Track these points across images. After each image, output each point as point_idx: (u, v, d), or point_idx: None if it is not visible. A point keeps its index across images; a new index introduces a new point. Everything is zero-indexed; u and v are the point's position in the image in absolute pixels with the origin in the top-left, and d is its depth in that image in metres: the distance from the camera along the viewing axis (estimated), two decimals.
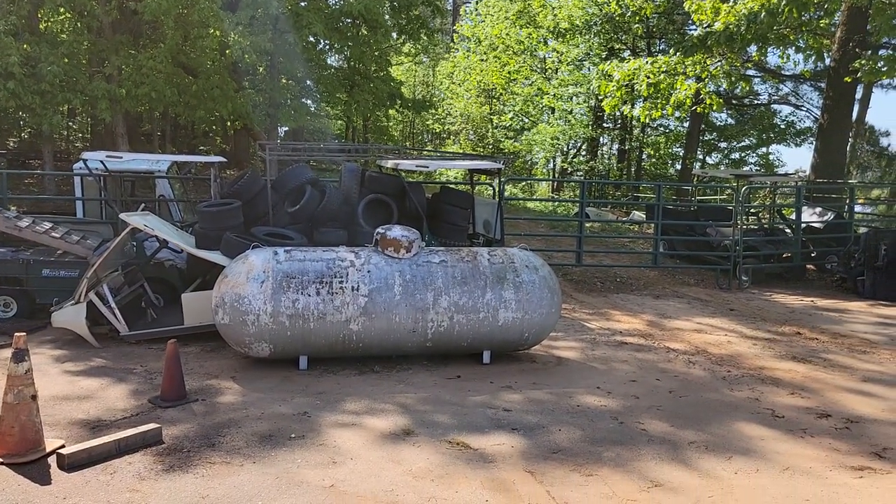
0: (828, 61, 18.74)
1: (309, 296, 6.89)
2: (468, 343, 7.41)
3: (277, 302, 6.81)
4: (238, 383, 6.70)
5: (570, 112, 30.26)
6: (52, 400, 6.02)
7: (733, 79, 18.03)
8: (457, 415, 5.97)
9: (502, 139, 32.60)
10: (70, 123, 26.11)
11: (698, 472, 5.01)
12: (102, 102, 14.23)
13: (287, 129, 26.50)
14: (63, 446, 4.97)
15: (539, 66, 32.13)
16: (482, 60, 31.27)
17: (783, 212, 17.14)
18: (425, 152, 23.87)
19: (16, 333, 4.91)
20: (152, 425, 5.27)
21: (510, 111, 31.98)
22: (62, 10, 15.04)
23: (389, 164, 9.89)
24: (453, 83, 33.86)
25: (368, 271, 7.11)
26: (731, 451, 5.42)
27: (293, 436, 5.38)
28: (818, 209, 15.64)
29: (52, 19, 15.41)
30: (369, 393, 6.50)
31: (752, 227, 15.18)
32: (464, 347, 7.47)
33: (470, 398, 6.43)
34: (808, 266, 14.93)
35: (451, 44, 36.24)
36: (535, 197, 28.64)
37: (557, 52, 29.54)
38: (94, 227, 10.68)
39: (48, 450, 4.90)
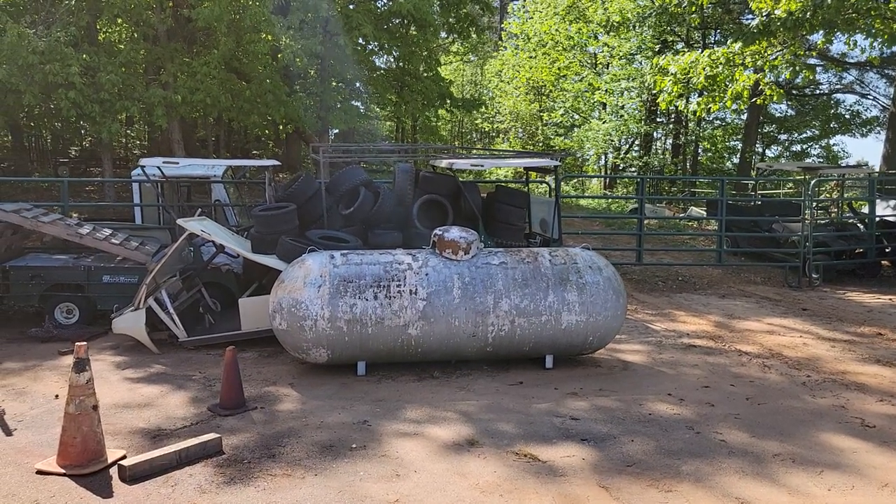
0: None
1: (367, 300, 6.73)
2: (530, 347, 7.14)
3: (335, 307, 6.67)
4: (296, 390, 6.59)
5: (622, 107, 29.59)
6: (113, 408, 6.01)
7: (797, 68, 17.25)
8: (522, 424, 5.72)
9: (552, 136, 32.11)
10: (128, 131, 26.78)
11: (787, 488, 4.64)
12: (158, 109, 14.45)
13: (337, 131, 26.61)
14: (125, 457, 4.92)
15: (589, 61, 31.53)
16: (531, 57, 30.84)
17: (853, 205, 16.27)
18: (475, 151, 23.63)
19: (77, 343, 4.87)
20: (212, 435, 5.17)
21: (560, 108, 31.46)
22: (119, 20, 15.37)
23: (443, 163, 9.68)
24: (502, 81, 33.51)
25: (426, 274, 6.92)
26: (821, 465, 5.02)
27: (354, 446, 5.22)
28: (892, 202, 14.78)
29: (109, 29, 15.75)
30: (430, 400, 6.30)
31: (821, 221, 14.44)
32: (525, 352, 7.20)
33: (534, 406, 6.16)
34: (883, 262, 14.12)
35: (500, 42, 35.90)
36: (588, 194, 28.08)
37: (608, 47, 28.91)
38: (152, 232, 10.80)
39: (110, 461, 4.84)
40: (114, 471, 4.72)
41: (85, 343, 4.88)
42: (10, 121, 16.72)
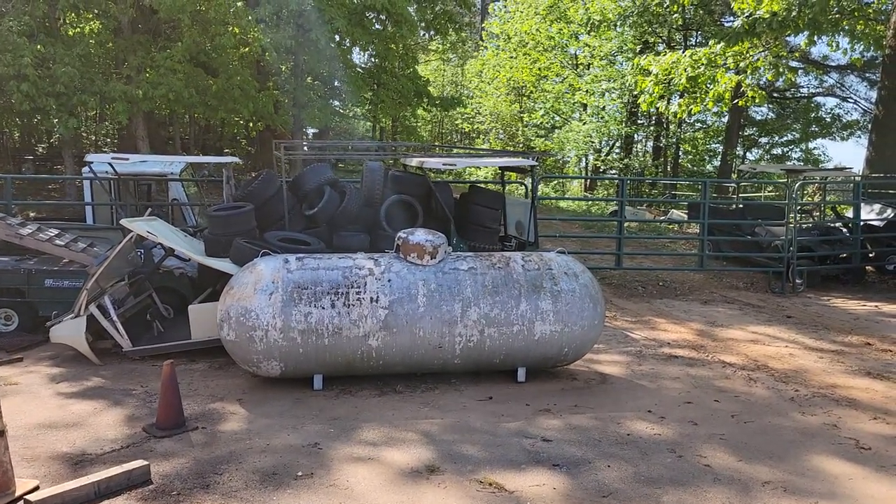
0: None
1: (323, 308, 6.19)
2: (501, 359, 6.63)
3: (288, 315, 6.12)
4: (245, 407, 6.02)
5: (603, 108, 29.26)
6: (37, 428, 5.41)
7: (780, 69, 16.96)
8: (489, 446, 5.21)
9: (533, 137, 31.71)
10: (98, 128, 25.95)
11: None
12: (119, 104, 13.76)
13: (315, 131, 26.00)
14: (37, 488, 4.34)
15: (570, 62, 31.18)
16: (511, 58, 30.42)
17: (837, 209, 15.98)
18: (455, 151, 23.13)
19: None
20: (139, 462, 4.60)
21: (541, 108, 31.06)
22: (80, 10, 14.67)
23: (414, 162, 9.16)
24: (482, 81, 33.06)
25: (389, 280, 6.38)
26: (815, 494, 4.56)
27: (300, 474, 4.67)
28: (877, 206, 14.49)
29: (68, 19, 15.03)
30: (390, 418, 5.76)
31: (805, 225, 14.11)
32: (496, 364, 6.69)
33: (503, 425, 5.65)
34: (867, 267, 13.81)
35: (480, 42, 35.45)
36: (568, 196, 27.69)
37: (589, 47, 28.57)
38: (104, 233, 10.16)
39: (18, 493, 4.26)
40: None
41: None
42: None
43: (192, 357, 7.43)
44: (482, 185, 12.22)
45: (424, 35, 23.68)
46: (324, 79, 19.69)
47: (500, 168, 10.78)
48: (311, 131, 25.18)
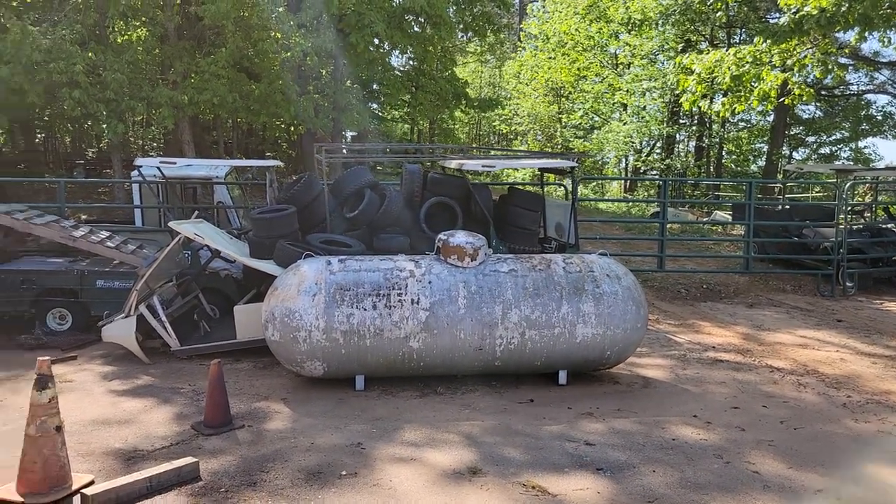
0: None
1: (365, 310, 6.25)
2: (542, 362, 6.60)
3: (330, 317, 6.20)
4: (289, 406, 6.11)
5: (644, 108, 28.87)
6: (91, 425, 5.58)
7: (829, 67, 16.50)
8: (530, 449, 5.19)
9: (571, 139, 31.45)
10: (146, 133, 26.63)
11: None
12: (164, 109, 14.11)
13: (354, 133, 26.26)
14: (92, 482, 4.46)
15: (610, 61, 30.85)
16: (550, 58, 30.22)
17: (890, 210, 15.47)
18: (493, 153, 23.10)
19: (38, 359, 4.42)
20: (189, 459, 4.71)
21: (580, 109, 30.80)
22: (129, 18, 15.09)
23: (453, 164, 9.18)
24: (520, 82, 32.93)
25: (429, 282, 6.41)
26: None
27: (344, 473, 4.72)
28: None
29: (119, 27, 15.46)
30: (431, 420, 5.78)
31: (856, 226, 13.69)
32: (537, 367, 6.67)
33: (545, 428, 5.62)
34: None
35: (518, 43, 35.33)
36: (608, 197, 27.39)
37: (630, 46, 28.22)
38: (152, 235, 10.42)
39: (75, 486, 4.39)
40: (77, 498, 4.27)
41: (48, 359, 4.44)
42: (15, 120, 16.48)
43: (237, 357, 7.57)
44: (521, 187, 12.18)
45: (462, 37, 23.70)
46: (362, 82, 19.86)
47: (540, 169, 10.73)
48: (349, 134, 25.44)
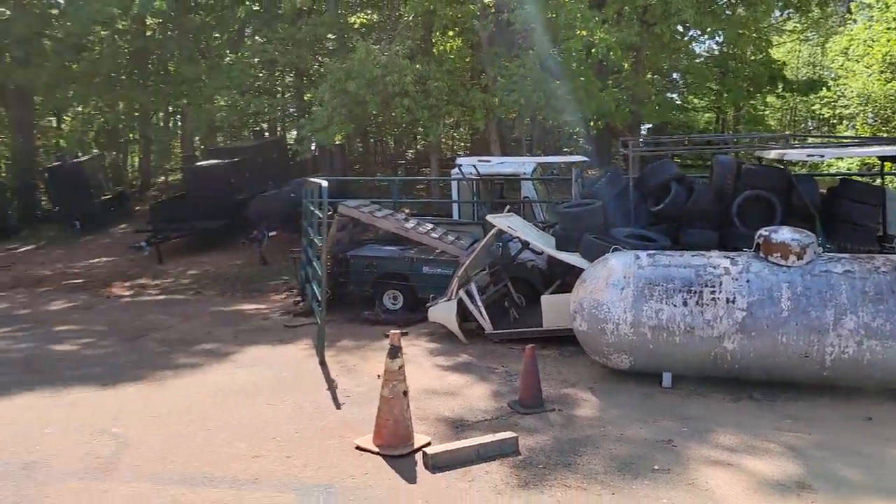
0: None
1: (674, 306, 6.15)
2: (882, 376, 5.83)
3: (638, 311, 6.22)
4: (596, 395, 6.29)
5: None
6: (423, 393, 6.37)
7: None
8: (871, 470, 4.65)
9: None
10: (454, 133, 29.10)
11: None
12: (478, 112, 15.29)
13: (650, 126, 25.56)
14: (429, 443, 5.13)
15: None
16: (889, 29, 25.91)
17: None
18: (810, 140, 20.65)
19: (391, 331, 5.21)
20: (509, 434, 5.15)
21: None
22: (449, 31, 16.66)
23: (772, 154, 8.50)
24: (849, 59, 28.80)
25: (747, 281, 6.07)
26: None
27: (656, 467, 4.75)
28: None
29: (440, 40, 17.17)
30: (747, 425, 5.50)
31: None
32: (875, 381, 5.91)
33: (890, 451, 4.98)
34: None
35: (848, 15, 30.93)
36: None
37: None
38: (467, 227, 11.41)
39: (416, 445, 5.10)
40: (419, 456, 4.95)
41: (398, 332, 5.21)
42: (359, 129, 19.21)
43: (543, 344, 7.93)
44: (854, 179, 10.77)
45: (780, 15, 21.51)
46: (663, 72, 19.20)
47: (880, 158, 9.39)
48: (645, 127, 24.79)
